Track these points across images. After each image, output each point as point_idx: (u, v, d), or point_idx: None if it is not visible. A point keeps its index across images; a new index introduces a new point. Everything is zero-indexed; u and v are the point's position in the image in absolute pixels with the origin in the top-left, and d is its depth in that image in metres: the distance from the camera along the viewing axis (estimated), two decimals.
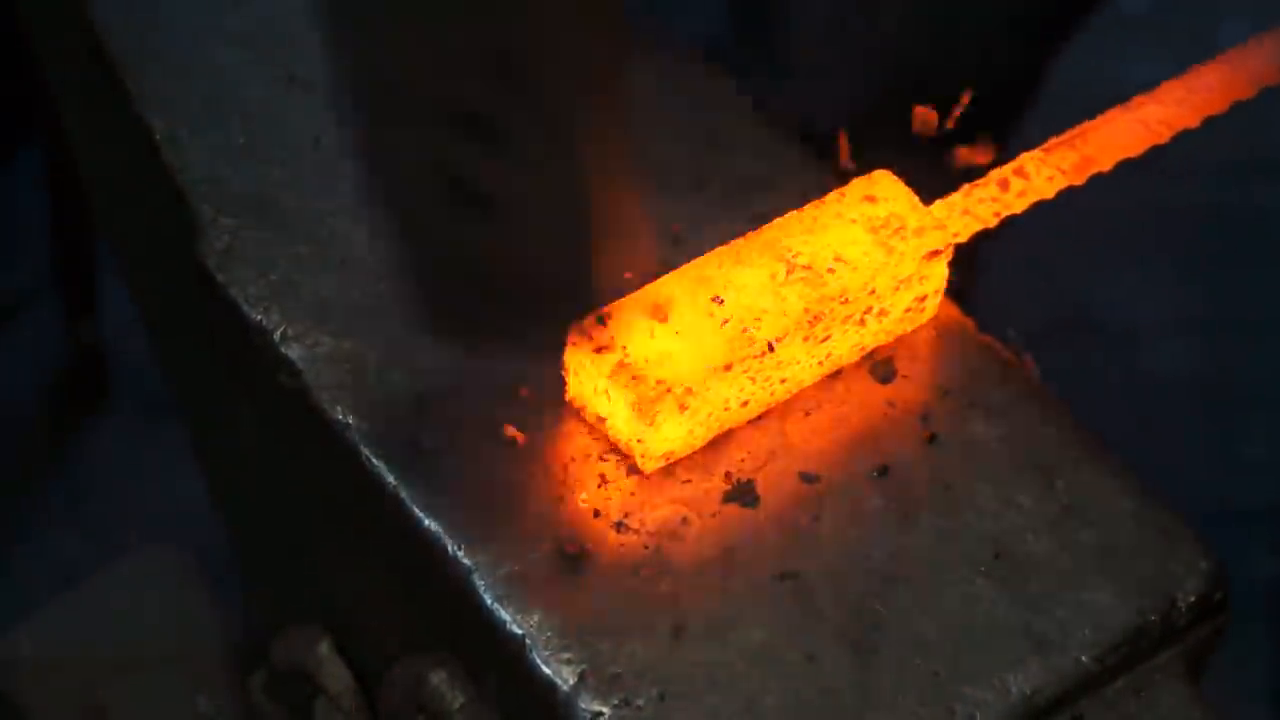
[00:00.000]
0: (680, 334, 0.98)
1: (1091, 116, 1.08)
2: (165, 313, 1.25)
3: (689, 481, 0.99)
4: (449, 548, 0.97)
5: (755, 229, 1.02)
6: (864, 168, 1.06)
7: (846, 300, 1.00)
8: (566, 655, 0.94)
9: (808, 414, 1.02)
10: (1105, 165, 1.05)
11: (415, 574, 1.00)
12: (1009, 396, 1.03)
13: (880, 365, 1.03)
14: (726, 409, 0.99)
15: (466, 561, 0.96)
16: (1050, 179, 1.05)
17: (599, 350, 0.98)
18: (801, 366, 1.00)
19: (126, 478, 2.32)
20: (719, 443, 1.00)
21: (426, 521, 0.97)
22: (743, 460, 1.00)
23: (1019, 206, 1.04)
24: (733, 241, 1.01)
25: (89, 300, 2.38)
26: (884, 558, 0.97)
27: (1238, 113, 1.10)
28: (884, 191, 1.03)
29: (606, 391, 0.98)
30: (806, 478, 0.99)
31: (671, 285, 1.00)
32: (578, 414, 1.00)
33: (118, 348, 2.39)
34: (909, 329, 1.04)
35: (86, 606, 1.54)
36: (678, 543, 0.97)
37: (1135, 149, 1.06)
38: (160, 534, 1.64)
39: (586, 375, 0.98)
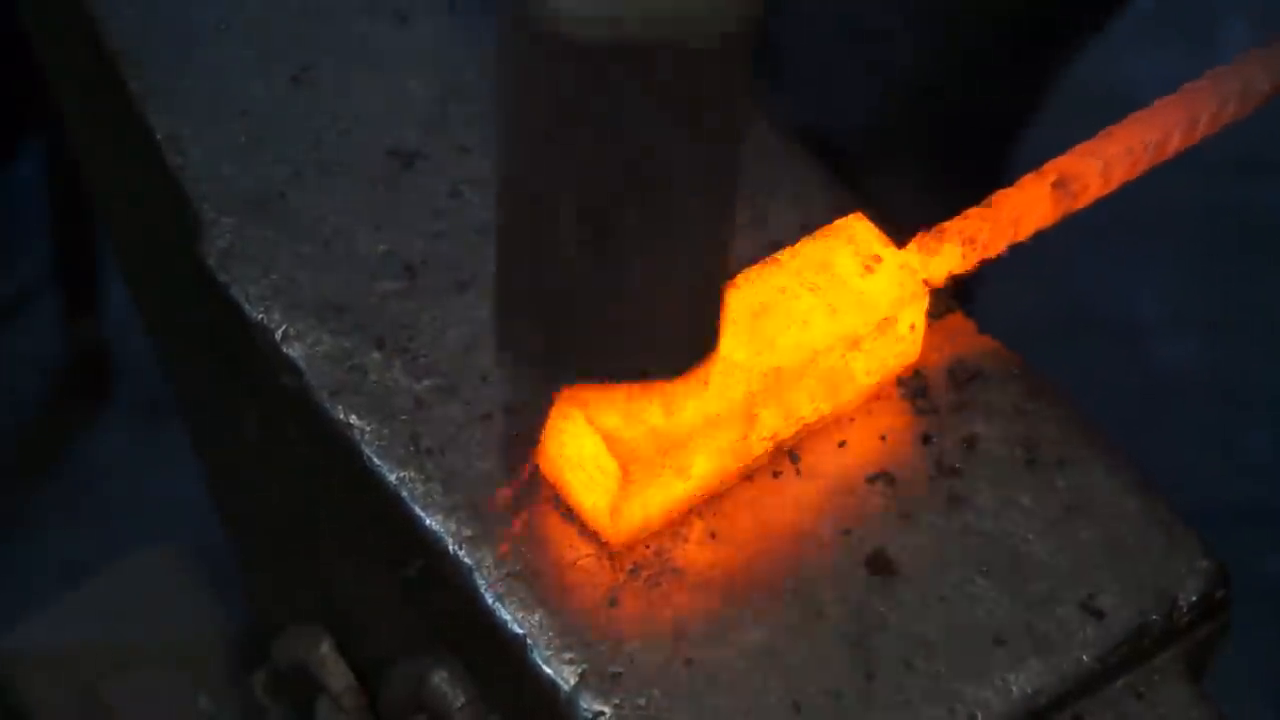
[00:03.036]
0: (664, 406, 0.95)
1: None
2: (166, 312, 1.25)
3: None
4: (449, 547, 0.97)
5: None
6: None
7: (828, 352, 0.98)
8: (567, 655, 0.94)
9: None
10: (1083, 203, 1.04)
11: (415, 573, 1.00)
12: (1009, 395, 1.03)
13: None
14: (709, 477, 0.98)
15: (467, 561, 0.96)
16: (1037, 213, 1.03)
17: (581, 412, 0.95)
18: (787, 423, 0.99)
19: (127, 476, 2.33)
20: None
21: (427, 521, 0.97)
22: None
23: (996, 248, 1.03)
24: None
25: (90, 299, 2.38)
26: (884, 558, 0.97)
27: None
28: (858, 235, 1.01)
29: (584, 464, 0.95)
30: (804, 476, 0.99)
31: None
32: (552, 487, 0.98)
33: (118, 346, 2.40)
34: (896, 366, 1.02)
35: (88, 604, 1.55)
36: (678, 543, 0.97)
37: (1112, 185, 1.05)
38: (161, 532, 1.64)
39: (564, 446, 0.96)
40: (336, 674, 1.12)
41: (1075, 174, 1.03)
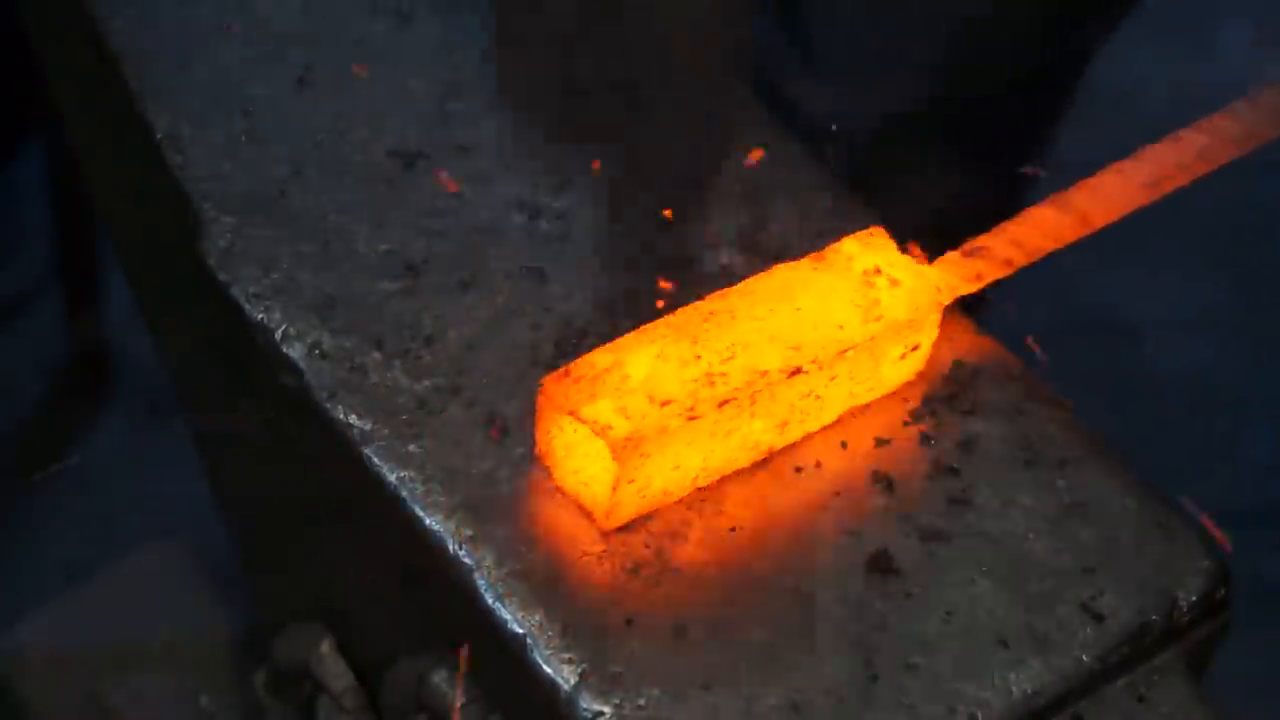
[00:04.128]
0: (653, 387, 0.97)
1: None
2: (167, 310, 1.25)
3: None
4: (450, 547, 0.97)
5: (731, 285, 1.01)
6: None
7: (818, 362, 0.98)
8: (568, 655, 0.94)
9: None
10: (1099, 224, 1.06)
11: (416, 573, 1.00)
12: (1010, 396, 1.03)
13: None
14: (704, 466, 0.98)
15: (468, 561, 0.96)
16: (1042, 243, 1.05)
17: (569, 407, 0.96)
18: (786, 424, 1.00)
19: (128, 475, 2.32)
20: None
21: (427, 521, 0.97)
22: (741, 463, 1.00)
23: (1010, 269, 1.04)
24: (709, 298, 1.00)
25: (91, 297, 2.38)
26: (884, 558, 0.97)
27: None
28: (876, 248, 1.02)
29: (582, 451, 0.96)
30: (804, 476, 1.00)
31: (643, 340, 0.98)
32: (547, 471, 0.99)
33: (120, 345, 2.39)
34: (904, 378, 1.03)
35: (89, 603, 1.55)
36: (678, 543, 0.97)
37: (1127, 208, 1.07)
38: (161, 532, 1.64)
39: (560, 434, 0.97)
40: (336, 674, 1.12)
41: (1094, 200, 1.06)
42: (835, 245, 1.02)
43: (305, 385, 1.02)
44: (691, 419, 0.95)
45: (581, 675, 0.93)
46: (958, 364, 1.04)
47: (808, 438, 1.01)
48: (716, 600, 0.95)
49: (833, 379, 0.99)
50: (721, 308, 0.99)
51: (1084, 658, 0.95)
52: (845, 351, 0.99)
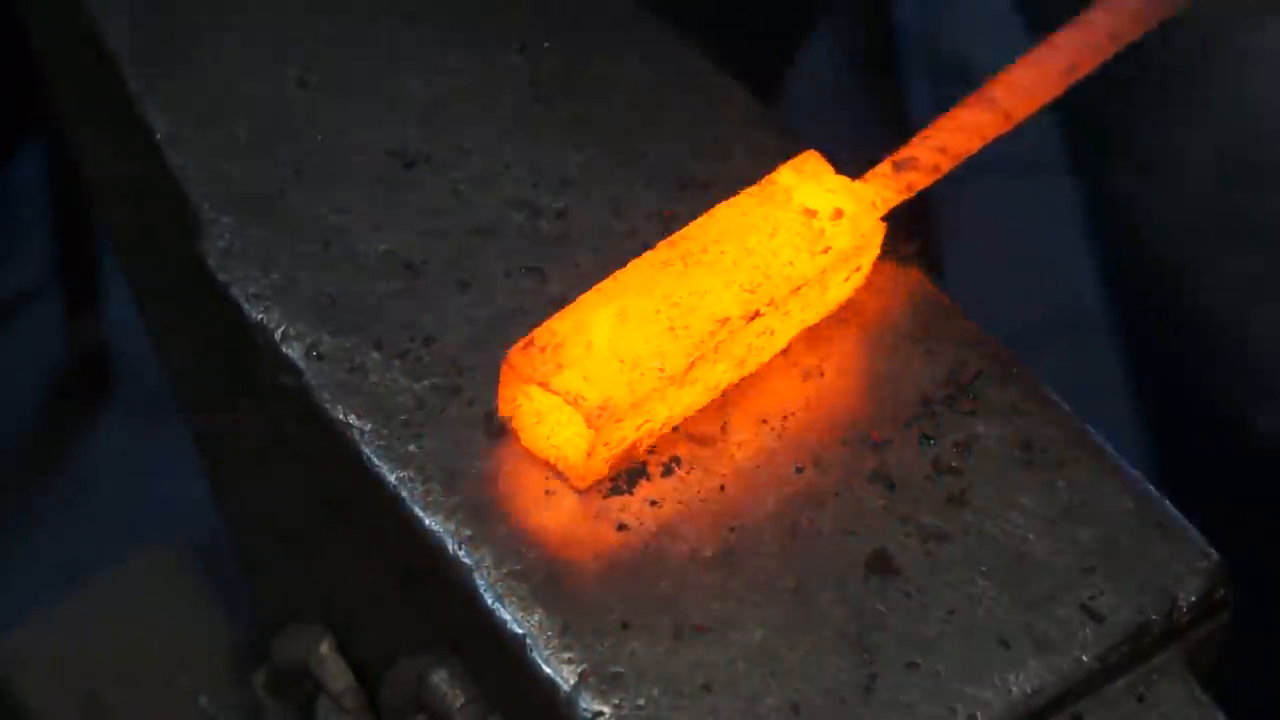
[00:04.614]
0: (618, 348, 0.97)
1: None
2: (166, 311, 1.25)
3: (687, 481, 0.99)
4: (449, 547, 0.97)
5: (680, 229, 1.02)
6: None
7: (774, 302, 1.00)
8: (567, 655, 0.94)
9: (801, 414, 1.02)
10: (1021, 116, 1.06)
11: (416, 573, 1.00)
12: (1009, 396, 1.03)
13: (877, 363, 1.04)
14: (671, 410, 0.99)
15: (467, 561, 0.96)
16: (969, 145, 1.05)
17: (538, 379, 0.96)
18: (746, 353, 1.01)
19: (127, 476, 2.32)
20: (715, 442, 1.00)
21: (426, 521, 0.97)
22: (742, 462, 1.00)
23: (940, 174, 1.05)
24: (657, 246, 1.01)
25: (90, 298, 2.38)
26: (884, 557, 0.97)
27: None
28: (812, 174, 1.03)
29: (554, 418, 0.97)
30: (804, 476, 1.00)
31: (601, 300, 0.99)
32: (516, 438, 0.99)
33: (119, 346, 2.40)
34: (846, 296, 1.05)
35: (88, 605, 1.55)
36: (678, 543, 0.97)
37: (1047, 97, 1.06)
38: (161, 532, 1.64)
39: (529, 402, 0.98)
40: (336, 674, 1.12)
41: (1012, 94, 1.05)
42: (771, 176, 1.03)
43: (305, 385, 1.02)
44: (661, 378, 0.97)
45: (581, 675, 0.93)
46: (958, 364, 1.04)
47: (805, 437, 1.01)
48: (716, 600, 0.95)
49: (786, 314, 1.01)
50: (673, 256, 1.00)
51: (1084, 658, 0.95)
52: (799, 289, 1.00)
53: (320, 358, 1.03)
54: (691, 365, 0.97)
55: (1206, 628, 0.99)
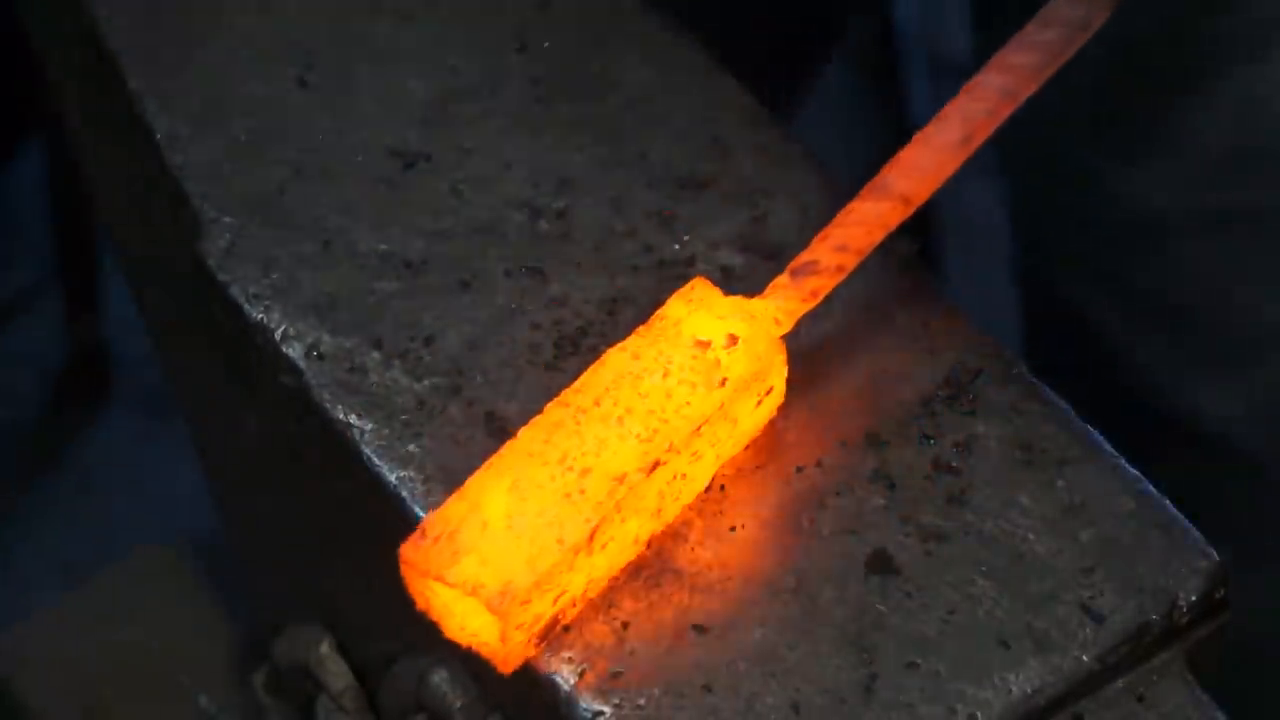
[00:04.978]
0: (514, 525, 0.92)
1: None
2: (166, 311, 1.25)
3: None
4: None
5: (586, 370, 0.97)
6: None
7: (673, 448, 0.94)
8: (567, 655, 0.94)
9: (801, 414, 1.01)
10: (920, 200, 1.02)
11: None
12: (1009, 396, 1.03)
13: (878, 363, 1.03)
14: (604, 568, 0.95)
15: None
16: (870, 238, 1.00)
17: (434, 573, 0.92)
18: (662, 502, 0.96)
19: (127, 476, 2.33)
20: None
21: None
22: (742, 462, 1.00)
23: (844, 274, 1.00)
24: (547, 406, 0.96)
25: (90, 298, 2.38)
26: (884, 557, 0.97)
27: None
28: (701, 302, 0.98)
29: (461, 608, 0.93)
30: (804, 476, 0.99)
31: (494, 475, 0.94)
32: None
33: (119, 346, 2.40)
34: (765, 419, 1.00)
35: (88, 604, 1.55)
36: (678, 543, 0.97)
37: (945, 174, 1.02)
38: (161, 532, 1.64)
39: (435, 597, 0.93)
40: (336, 674, 1.12)
41: (907, 178, 1.01)
42: (661, 311, 0.98)
43: (305, 385, 1.02)
44: (563, 549, 0.91)
45: (581, 675, 0.93)
46: (958, 364, 1.03)
47: (805, 437, 1.00)
48: (716, 600, 0.95)
49: (695, 455, 0.96)
50: (565, 415, 0.95)
51: (1084, 658, 0.95)
52: (699, 428, 0.95)
53: (320, 358, 1.03)
54: (595, 531, 0.92)
55: (1206, 628, 0.99)
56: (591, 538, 0.92)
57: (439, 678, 1.00)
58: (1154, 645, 0.97)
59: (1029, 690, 0.94)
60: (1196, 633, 0.98)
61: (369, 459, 1.00)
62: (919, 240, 1.08)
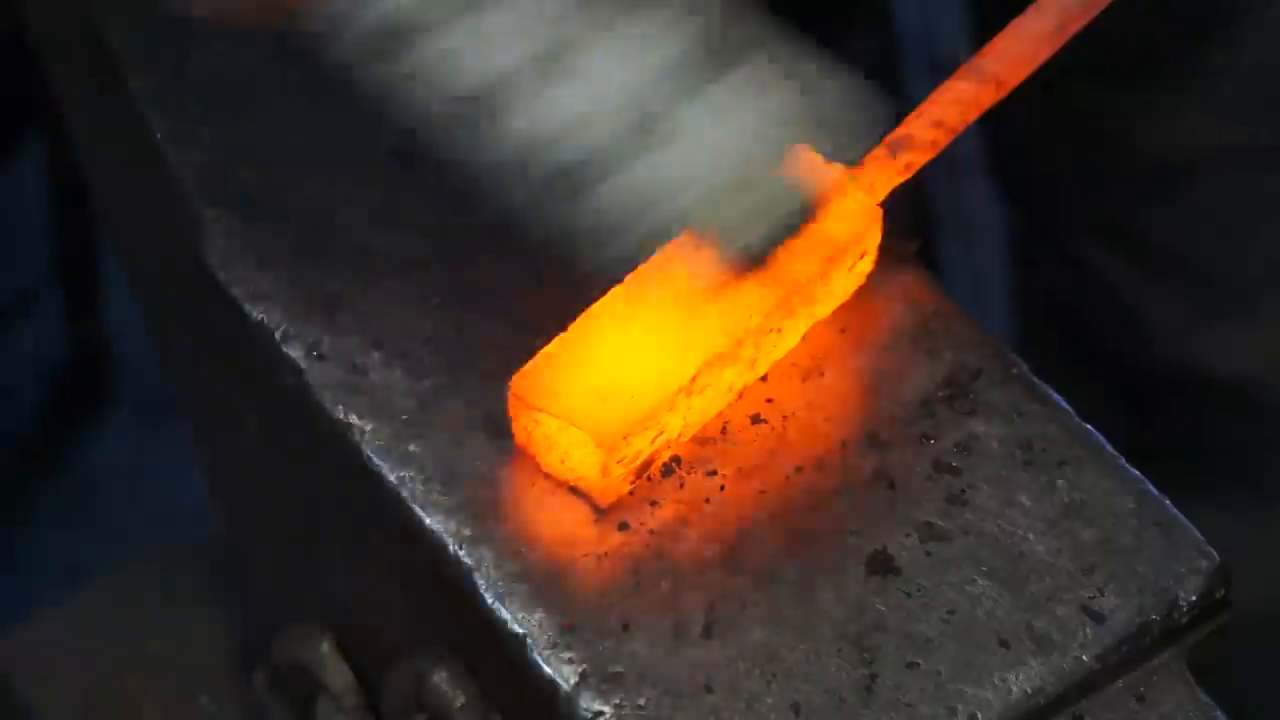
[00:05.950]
0: (623, 363, 0.96)
1: None
2: (167, 311, 1.25)
3: (688, 481, 0.99)
4: (449, 547, 0.97)
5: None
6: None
7: (780, 305, 0.99)
8: (567, 655, 0.94)
9: (801, 414, 1.02)
10: (1013, 83, 1.05)
11: (416, 573, 1.00)
12: (1009, 396, 1.03)
13: (877, 361, 1.04)
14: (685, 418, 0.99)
15: (467, 561, 0.96)
16: (965, 117, 1.04)
17: (542, 404, 0.96)
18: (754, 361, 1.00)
19: (128, 476, 2.32)
20: (715, 443, 1.00)
21: (427, 521, 0.97)
22: (742, 462, 1.00)
23: (937, 150, 1.04)
24: (653, 256, 0.99)
25: (91, 299, 2.38)
26: (884, 557, 0.97)
27: None
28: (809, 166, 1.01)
29: (565, 440, 0.96)
30: (804, 476, 1.00)
31: (604, 316, 0.98)
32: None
33: (120, 346, 2.40)
34: (855, 286, 1.04)
35: (89, 605, 1.54)
36: (678, 542, 0.97)
37: (1037, 61, 1.05)
38: (161, 533, 1.64)
39: (538, 427, 0.97)
40: (336, 674, 1.12)
41: (1002, 62, 1.04)
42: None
43: (305, 385, 1.02)
44: (666, 389, 0.96)
45: (581, 675, 0.93)
46: (958, 364, 1.04)
47: (805, 438, 1.00)
48: (717, 600, 0.95)
49: (790, 312, 1.01)
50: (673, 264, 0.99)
51: (1084, 658, 0.95)
52: (800, 287, 1.00)
53: (320, 358, 1.03)
54: (698, 373, 0.97)
55: (1206, 628, 0.99)
56: (693, 380, 0.96)
57: (439, 678, 1.00)
58: (1154, 645, 0.97)
59: (1029, 690, 0.94)
60: (1196, 633, 0.98)
61: (369, 459, 1.00)
62: (919, 239, 1.08)
